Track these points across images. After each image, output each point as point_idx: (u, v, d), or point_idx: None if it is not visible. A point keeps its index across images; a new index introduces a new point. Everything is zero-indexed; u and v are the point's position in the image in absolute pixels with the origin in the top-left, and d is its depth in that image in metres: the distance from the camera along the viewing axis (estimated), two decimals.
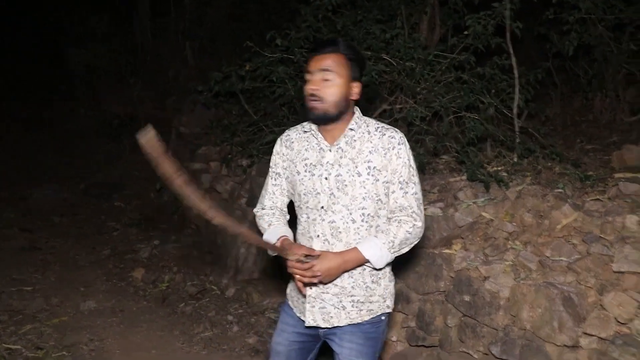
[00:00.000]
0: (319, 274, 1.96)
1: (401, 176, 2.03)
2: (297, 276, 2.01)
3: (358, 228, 2.04)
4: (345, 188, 2.02)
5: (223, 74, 5.44)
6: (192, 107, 6.67)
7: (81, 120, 9.46)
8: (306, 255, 1.98)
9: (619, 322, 2.46)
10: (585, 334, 2.56)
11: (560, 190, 3.27)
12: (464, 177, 3.63)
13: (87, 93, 8.97)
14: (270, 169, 2.26)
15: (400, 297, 3.40)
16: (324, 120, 2.04)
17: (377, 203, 2.05)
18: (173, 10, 9.06)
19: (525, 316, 2.75)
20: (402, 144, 2.05)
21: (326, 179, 2.04)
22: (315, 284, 2.05)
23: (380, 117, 4.44)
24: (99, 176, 8.17)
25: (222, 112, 6.22)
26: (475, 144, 3.85)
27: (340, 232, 2.04)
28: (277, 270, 4.55)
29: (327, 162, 2.06)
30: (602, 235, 2.82)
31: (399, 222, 2.03)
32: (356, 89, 2.05)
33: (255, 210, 2.32)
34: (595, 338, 2.53)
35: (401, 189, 2.04)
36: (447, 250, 3.28)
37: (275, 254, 2.12)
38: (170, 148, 7.09)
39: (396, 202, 2.05)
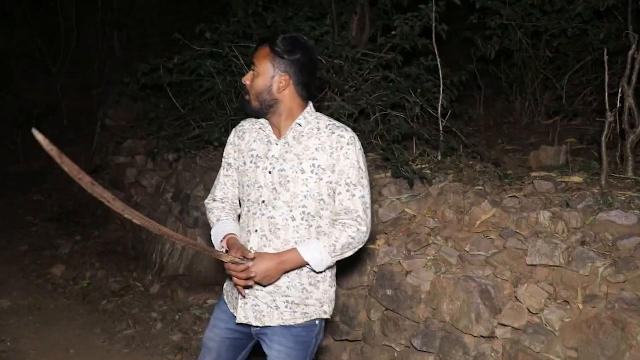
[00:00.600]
0: (255, 276, 1.92)
1: (348, 177, 1.98)
2: (234, 278, 1.97)
3: (297, 226, 2.00)
4: (287, 184, 1.98)
5: (150, 65, 5.32)
6: (118, 99, 6.47)
7: None
8: (242, 257, 1.92)
9: (530, 312, 2.57)
10: (500, 324, 2.66)
11: (480, 187, 3.39)
12: (389, 174, 3.70)
13: (3, 79, 8.48)
14: (223, 159, 2.22)
15: None
16: (253, 113, 2.05)
17: (318, 202, 1.99)
18: None
19: (445, 309, 2.83)
20: (352, 144, 1.99)
21: (270, 172, 2.01)
22: (251, 286, 2.01)
23: None
24: (16, 167, 7.76)
25: (149, 105, 6.07)
26: (400, 141, 3.93)
27: (278, 228, 2.00)
28: (202, 266, 4.48)
29: (273, 155, 2.02)
30: (517, 230, 2.94)
31: (342, 225, 1.99)
32: (281, 83, 1.99)
33: (205, 201, 2.26)
34: (510, 328, 2.63)
35: (347, 191, 1.99)
36: (370, 246, 3.32)
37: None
38: (95, 140, 6.86)
39: (341, 204, 2.00)
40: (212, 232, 2.15)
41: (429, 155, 4.02)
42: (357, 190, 1.99)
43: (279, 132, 2.05)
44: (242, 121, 2.21)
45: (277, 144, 2.03)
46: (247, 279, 1.93)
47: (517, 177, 3.57)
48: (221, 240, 2.06)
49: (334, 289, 2.15)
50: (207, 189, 4.60)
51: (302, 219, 1.99)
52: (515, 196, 3.22)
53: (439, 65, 4.08)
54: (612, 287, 2.44)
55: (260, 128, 2.10)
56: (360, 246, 2.04)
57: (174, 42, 5.15)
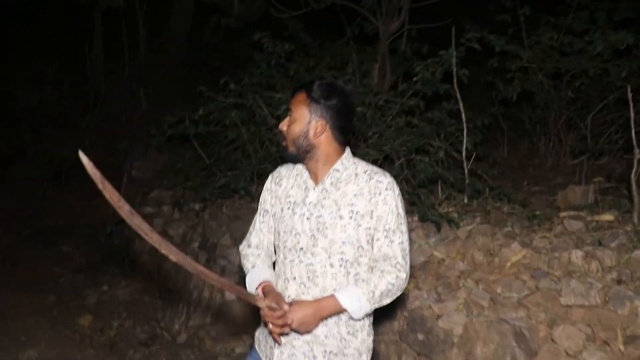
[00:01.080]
0: (292, 323, 1.85)
1: (387, 224, 1.93)
2: (270, 325, 1.89)
3: (335, 273, 1.94)
4: (325, 230, 1.93)
5: (176, 117, 5.44)
6: (144, 152, 6.60)
7: (27, 165, 9.20)
8: (275, 305, 1.86)
9: (568, 354, 2.51)
10: None
11: (509, 229, 3.35)
12: (416, 218, 3.68)
13: (34, 137, 8.75)
14: (259, 205, 2.18)
15: None
16: (289, 158, 2.04)
17: (357, 249, 1.94)
18: (127, 56, 9.06)
19: (479, 352, 2.76)
20: (390, 189, 1.94)
21: (307, 219, 1.96)
22: (287, 334, 1.93)
23: None
24: (44, 221, 7.88)
25: (174, 157, 6.18)
26: (425, 185, 3.93)
27: (317, 276, 1.94)
28: (230, 314, 4.45)
29: (310, 202, 1.98)
30: (549, 271, 2.89)
31: (381, 272, 1.91)
32: (317, 128, 1.94)
33: (240, 247, 2.21)
34: None
35: (386, 237, 1.93)
36: None
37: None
38: (122, 192, 6.96)
39: (380, 251, 1.94)
40: (247, 278, 2.08)
41: (455, 199, 4.00)
42: (396, 237, 1.94)
43: (316, 178, 2.01)
44: (279, 167, 2.18)
45: (314, 190, 2.00)
46: (284, 325, 1.86)
47: (546, 218, 3.53)
48: (257, 287, 2.00)
49: (372, 337, 2.07)
50: (234, 237, 4.64)
51: (340, 265, 1.94)
52: (545, 237, 3.18)
53: (462, 109, 4.11)
54: None
55: (297, 174, 2.08)
56: (399, 293, 1.96)
57: (199, 95, 5.28)
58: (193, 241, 5.15)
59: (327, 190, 1.97)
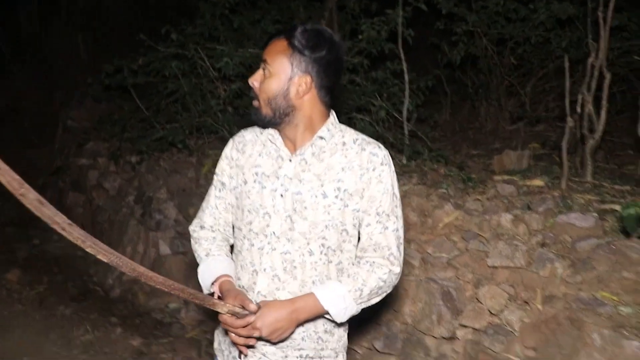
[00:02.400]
0: (261, 330, 1.52)
1: (380, 206, 1.60)
2: (231, 335, 1.57)
3: (315, 262, 1.61)
4: (304, 211, 1.59)
5: (115, 67, 5.23)
6: (81, 101, 6.35)
7: None
8: (242, 307, 1.53)
9: (491, 313, 2.58)
10: (462, 325, 2.66)
11: (444, 190, 3.39)
12: None
13: None
14: (215, 177, 1.80)
15: None
16: (261, 123, 1.65)
17: (340, 234, 1.62)
18: None
19: (407, 311, 2.82)
20: (386, 164, 1.62)
21: (281, 196, 1.61)
22: (253, 345, 1.62)
23: None
24: None
25: (113, 107, 5.97)
26: None
27: (295, 266, 1.61)
28: (164, 270, 4.40)
29: (285, 175, 1.62)
30: (479, 233, 2.95)
31: (371, 265, 1.60)
32: (301, 86, 1.59)
33: (191, 228, 1.84)
34: (470, 329, 2.63)
35: (379, 222, 1.61)
36: None
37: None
38: (57, 143, 6.71)
39: (371, 239, 1.62)
40: (200, 269, 1.75)
41: (394, 159, 4.01)
42: (391, 222, 1.62)
43: (293, 146, 1.65)
44: (242, 131, 1.80)
45: (290, 161, 1.64)
46: (250, 335, 1.54)
47: (481, 181, 3.59)
48: (212, 283, 1.68)
49: (347, 332, 1.78)
50: (171, 191, 4.54)
51: (321, 252, 1.61)
52: (478, 199, 3.24)
53: (405, 70, 4.10)
54: (570, 287, 2.46)
55: (267, 140, 1.70)
56: (389, 291, 1.66)
57: (139, 43, 5.07)
58: (129, 195, 5.03)
59: (307, 162, 1.62)
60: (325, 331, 1.67)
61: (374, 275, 1.59)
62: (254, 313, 1.51)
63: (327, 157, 1.62)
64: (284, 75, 1.59)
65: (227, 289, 1.61)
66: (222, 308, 1.51)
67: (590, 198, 3.08)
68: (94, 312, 4.38)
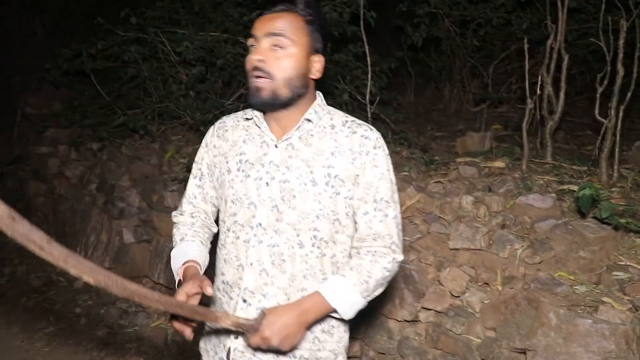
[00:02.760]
0: (270, 340, 1.41)
1: (378, 192, 1.52)
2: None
3: (306, 255, 1.52)
4: (292, 200, 1.50)
5: (73, 51, 5.09)
6: (39, 87, 6.16)
7: None
8: (244, 319, 1.44)
9: (452, 295, 2.62)
10: (424, 308, 2.69)
11: (406, 173, 3.41)
12: None
13: None
14: (194, 165, 1.72)
15: None
16: (272, 106, 1.51)
17: (333, 224, 1.53)
18: None
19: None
20: (379, 147, 1.54)
21: (267, 184, 1.52)
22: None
23: (237, 102, 4.39)
24: None
25: (73, 93, 5.81)
26: None
27: (284, 260, 1.51)
28: (128, 258, 4.34)
29: (271, 161, 1.53)
30: (441, 215, 2.98)
31: (373, 255, 1.52)
32: (318, 64, 1.54)
33: (173, 214, 1.76)
34: (432, 312, 2.67)
35: (379, 210, 1.53)
36: None
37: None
38: (15, 130, 6.52)
39: (370, 228, 1.53)
40: (172, 254, 1.66)
41: None
42: (391, 209, 1.54)
43: (281, 131, 1.56)
44: (223, 117, 1.72)
45: (276, 147, 1.54)
46: (257, 346, 1.45)
47: (443, 163, 3.63)
48: (179, 268, 1.59)
49: (348, 333, 1.67)
50: (133, 178, 4.47)
51: (313, 245, 1.52)
52: (440, 182, 3.27)
53: (368, 53, 4.08)
54: (529, 268, 2.50)
55: (249, 126, 1.61)
56: (390, 279, 1.59)
57: (98, 27, 4.94)
58: (91, 182, 4.92)
59: (293, 147, 1.53)
60: (323, 331, 1.57)
61: (377, 265, 1.51)
62: (260, 318, 1.42)
63: (315, 141, 1.53)
64: (305, 52, 1.50)
65: (190, 275, 1.51)
66: (226, 322, 1.41)
67: (550, 179, 3.13)
68: (57, 303, 4.31)
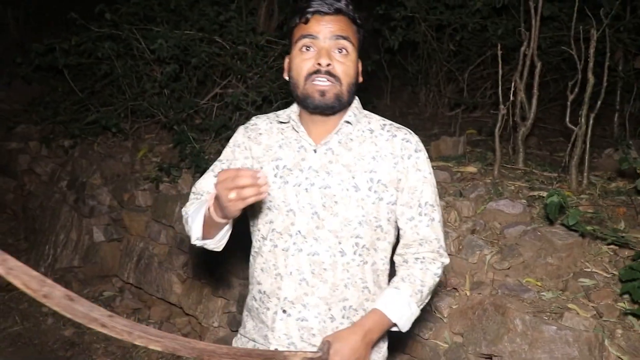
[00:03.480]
0: None
1: (422, 197, 1.50)
2: None
3: (348, 263, 1.47)
4: (334, 206, 1.46)
5: (45, 46, 5.00)
6: (9, 81, 6.05)
7: None
8: (312, 352, 1.37)
9: None
10: None
11: None
12: None
13: None
14: (216, 163, 1.63)
15: (223, 284, 3.36)
16: (331, 110, 1.47)
17: (375, 231, 1.49)
18: None
19: None
20: (420, 150, 1.52)
21: (306, 190, 1.47)
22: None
23: (212, 101, 4.35)
24: None
25: (45, 89, 5.71)
26: None
27: (325, 269, 1.46)
28: (97, 257, 4.27)
29: (310, 167, 1.49)
30: None
31: (422, 263, 1.49)
32: (360, 68, 1.54)
33: (183, 211, 1.61)
34: None
35: (425, 214, 1.50)
36: None
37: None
38: None
39: (417, 234, 1.50)
40: (189, 211, 1.53)
41: None
42: (436, 213, 1.52)
43: (318, 135, 1.51)
44: (253, 118, 1.65)
45: (315, 151, 1.50)
46: None
47: None
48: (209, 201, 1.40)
49: (387, 342, 1.63)
50: (105, 176, 4.41)
51: (354, 252, 1.47)
52: None
53: None
54: (498, 274, 2.52)
55: (283, 129, 1.56)
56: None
57: (71, 22, 4.86)
58: (61, 180, 4.84)
59: (333, 151, 1.49)
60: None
61: (429, 272, 1.49)
62: (326, 351, 1.36)
63: (355, 145, 1.49)
64: (355, 56, 1.50)
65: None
66: (296, 358, 1.34)
67: (521, 185, 3.16)
68: (23, 302, 4.22)
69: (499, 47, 3.41)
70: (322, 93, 1.43)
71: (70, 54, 4.93)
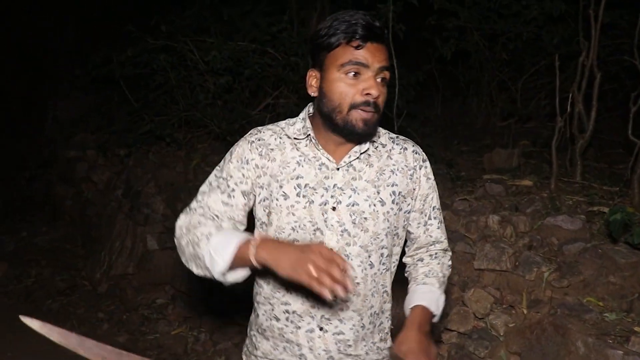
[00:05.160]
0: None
1: (432, 202, 1.61)
2: None
3: (375, 274, 1.53)
4: (364, 223, 1.49)
5: (102, 58, 5.16)
6: (68, 92, 6.26)
7: None
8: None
9: (476, 316, 2.57)
10: (447, 329, 2.65)
11: None
12: None
13: None
14: (220, 180, 1.54)
15: None
16: (369, 138, 1.51)
17: (393, 238, 1.57)
18: None
19: (393, 313, 2.80)
20: (427, 159, 1.62)
21: (333, 209, 1.48)
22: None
23: (264, 112, 4.40)
24: None
25: (101, 99, 5.90)
26: None
27: (357, 282, 1.50)
28: (151, 265, 4.37)
29: (335, 185, 1.49)
30: (466, 234, 2.93)
31: (436, 258, 1.65)
32: None
33: (177, 226, 1.55)
34: (455, 333, 2.62)
35: (435, 218, 1.63)
36: None
37: None
38: (45, 134, 6.64)
39: (430, 236, 1.63)
40: (213, 243, 1.40)
41: None
42: (441, 215, 1.66)
43: (337, 152, 1.51)
44: (255, 132, 1.57)
45: (338, 169, 1.50)
46: None
47: (470, 179, 3.58)
48: (239, 245, 1.35)
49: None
50: (159, 185, 4.50)
51: (380, 262, 1.54)
52: (466, 199, 3.22)
53: (395, 66, 4.05)
54: (556, 292, 2.45)
55: (296, 145, 1.52)
56: None
57: (127, 34, 5.00)
58: (117, 188, 4.98)
59: (355, 168, 1.51)
60: (381, 339, 1.61)
61: (445, 265, 1.66)
62: (399, 357, 1.46)
63: (375, 161, 1.53)
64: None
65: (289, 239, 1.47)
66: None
67: (579, 199, 3.07)
68: (81, 307, 4.35)
69: (556, 58, 3.33)
70: (365, 122, 1.42)
71: (125, 65, 5.07)
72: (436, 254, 1.65)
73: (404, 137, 1.62)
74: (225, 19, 4.81)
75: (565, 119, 3.34)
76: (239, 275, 1.41)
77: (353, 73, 1.40)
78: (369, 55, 1.39)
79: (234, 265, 1.36)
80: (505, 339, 2.42)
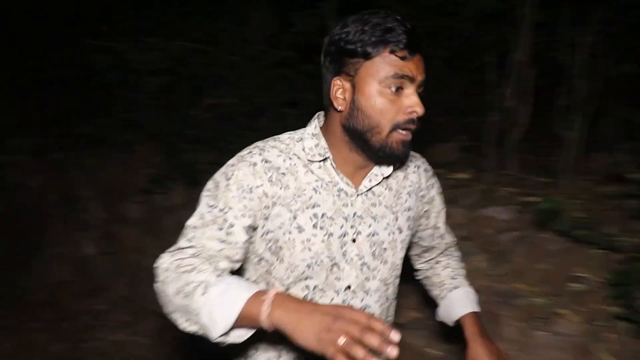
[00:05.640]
0: None
1: (441, 207, 1.58)
2: None
3: (389, 307, 1.46)
4: (384, 254, 1.35)
5: (39, 58, 5.00)
6: (1, 94, 6.02)
7: None
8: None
9: (412, 308, 2.60)
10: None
11: None
12: None
13: None
14: (215, 211, 1.26)
15: None
16: (407, 154, 1.35)
17: (401, 260, 1.48)
18: None
19: None
20: (435, 174, 1.56)
21: (354, 241, 1.31)
22: None
23: (204, 112, 4.35)
24: None
25: (37, 101, 5.71)
26: None
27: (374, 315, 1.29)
28: (88, 271, 4.26)
29: (355, 213, 1.32)
30: None
31: (452, 256, 1.70)
32: None
33: (161, 260, 1.25)
34: (393, 324, 2.64)
35: (445, 224, 1.63)
36: None
37: None
38: None
39: (445, 243, 1.66)
40: (215, 291, 1.12)
41: None
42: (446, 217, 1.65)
43: (354, 176, 1.33)
44: (255, 149, 1.32)
45: (357, 196, 1.32)
46: None
47: None
48: (248, 299, 1.09)
49: None
50: (97, 189, 4.38)
51: (393, 292, 1.45)
52: None
53: None
54: (490, 280, 2.50)
55: (320, 170, 1.31)
56: None
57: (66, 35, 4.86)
58: (53, 193, 4.82)
59: (374, 193, 1.35)
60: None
61: (458, 258, 1.71)
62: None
63: (393, 183, 1.38)
64: None
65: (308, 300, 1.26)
66: None
67: (512, 191, 3.15)
68: (12, 318, 4.18)
69: (492, 54, 3.41)
70: (404, 144, 1.25)
71: (60, 67, 4.92)
72: (450, 254, 1.69)
73: (412, 153, 1.45)
74: (165, 20, 4.74)
75: (501, 113, 3.42)
76: (241, 335, 1.13)
77: (396, 88, 1.22)
78: (414, 68, 1.22)
79: (237, 325, 1.10)
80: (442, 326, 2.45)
